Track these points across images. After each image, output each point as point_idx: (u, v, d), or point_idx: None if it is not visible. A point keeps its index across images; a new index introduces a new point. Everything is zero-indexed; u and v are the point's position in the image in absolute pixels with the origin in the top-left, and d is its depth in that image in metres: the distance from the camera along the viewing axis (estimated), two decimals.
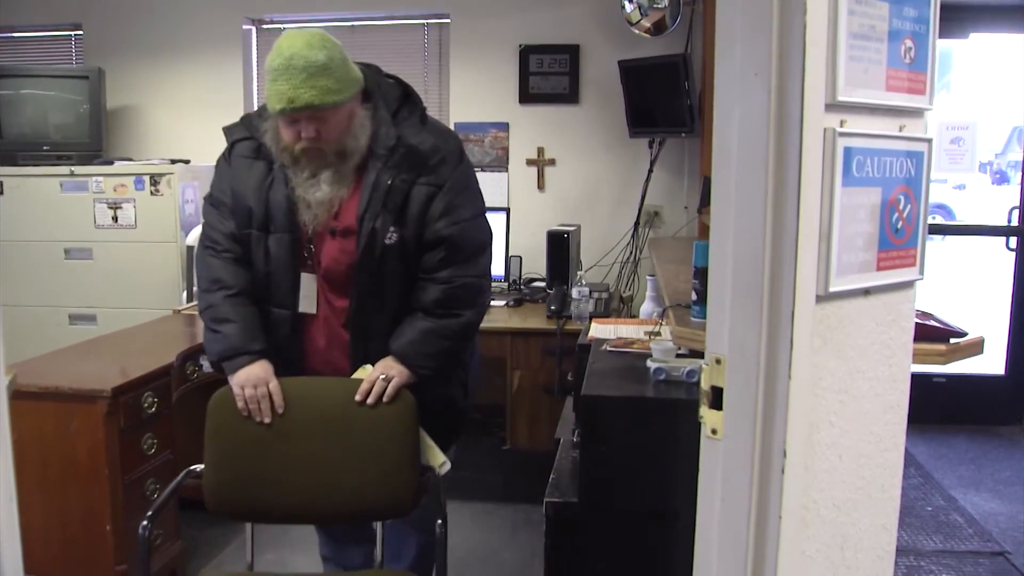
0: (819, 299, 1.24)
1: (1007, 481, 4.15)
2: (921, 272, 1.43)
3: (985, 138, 11.01)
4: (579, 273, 3.99)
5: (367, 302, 2.27)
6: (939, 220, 11.11)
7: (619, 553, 1.93)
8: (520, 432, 3.92)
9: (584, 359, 2.27)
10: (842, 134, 1.23)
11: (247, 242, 2.30)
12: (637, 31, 4.41)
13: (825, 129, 1.22)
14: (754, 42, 1.22)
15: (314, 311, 2.31)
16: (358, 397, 2.22)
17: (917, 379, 4.77)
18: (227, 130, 2.40)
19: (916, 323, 1.53)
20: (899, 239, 1.36)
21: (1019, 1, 4.68)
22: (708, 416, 1.32)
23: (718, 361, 1.29)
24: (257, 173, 2.28)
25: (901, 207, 1.36)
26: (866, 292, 1.33)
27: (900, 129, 1.37)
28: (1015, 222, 4.86)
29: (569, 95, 4.73)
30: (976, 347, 1.90)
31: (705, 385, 1.32)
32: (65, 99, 4.72)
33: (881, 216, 1.33)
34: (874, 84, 1.30)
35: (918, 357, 1.84)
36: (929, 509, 3.81)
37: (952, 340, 1.82)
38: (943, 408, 4.92)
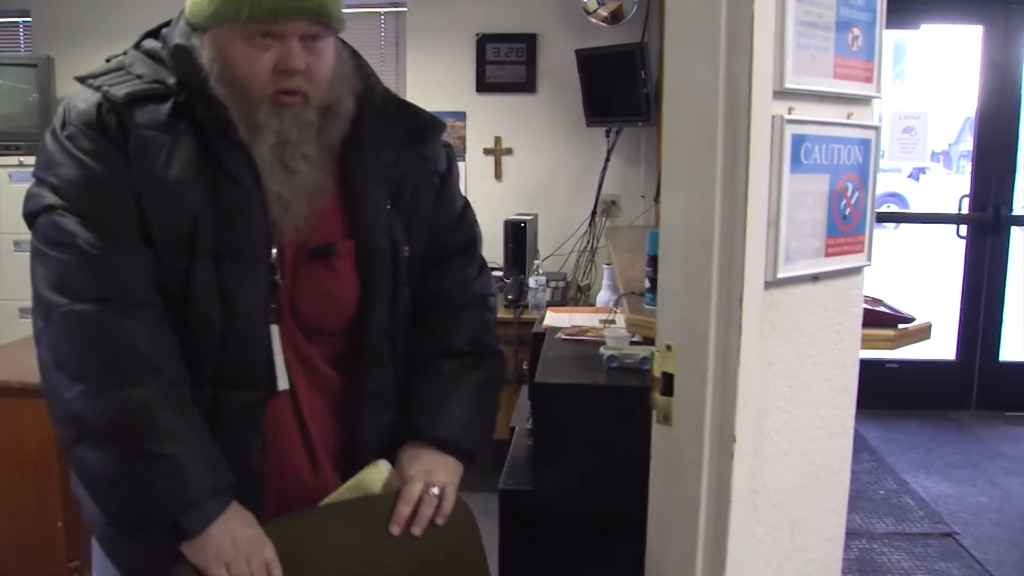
0: (768, 285, 1.25)
1: (956, 464, 4.24)
2: (869, 258, 1.44)
3: (939, 128, 11.20)
4: (536, 262, 4.00)
5: (381, 359, 1.50)
6: (893, 208, 11.28)
7: (573, 540, 1.93)
8: None
9: (539, 348, 2.27)
10: (790, 121, 1.24)
11: (179, 281, 1.34)
12: (594, 20, 4.42)
13: (773, 116, 1.22)
14: (703, 30, 1.22)
15: (287, 386, 1.43)
16: (395, 528, 1.40)
17: (870, 365, 4.88)
18: (99, 81, 1.38)
19: (865, 309, 1.55)
20: (847, 226, 1.38)
21: None
22: (659, 402, 1.32)
23: (668, 348, 1.30)
24: (185, 157, 1.34)
25: (849, 194, 1.38)
26: (815, 278, 1.35)
27: (848, 117, 1.38)
28: (966, 210, 4.95)
29: (526, 84, 4.73)
30: (924, 332, 1.93)
31: (656, 372, 1.33)
32: (13, 88, 4.62)
33: (829, 203, 1.34)
34: (822, 72, 1.31)
35: (867, 342, 1.86)
36: (881, 492, 3.87)
37: (900, 326, 1.85)
38: (896, 393, 5.00)
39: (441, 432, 1.48)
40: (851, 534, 3.41)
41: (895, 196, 11.98)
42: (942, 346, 5.16)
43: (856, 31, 1.37)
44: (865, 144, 1.41)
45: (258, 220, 1.37)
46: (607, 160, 4.59)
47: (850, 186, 1.38)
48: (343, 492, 1.43)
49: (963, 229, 4.95)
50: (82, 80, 1.41)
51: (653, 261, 1.78)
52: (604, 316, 2.44)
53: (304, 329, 1.45)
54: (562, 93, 4.68)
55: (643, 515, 1.39)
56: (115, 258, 1.31)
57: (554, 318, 2.60)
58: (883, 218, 9.40)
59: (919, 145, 4.82)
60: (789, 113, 1.25)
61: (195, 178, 1.34)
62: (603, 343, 2.09)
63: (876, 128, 1.44)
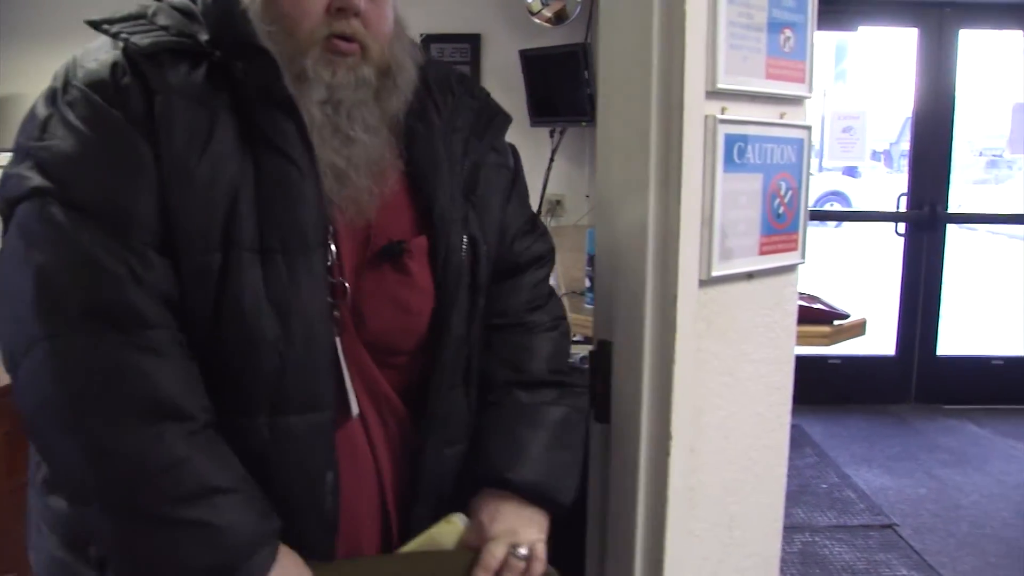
0: (702, 283, 1.26)
1: (896, 457, 4.32)
2: (803, 256, 1.46)
3: (880, 127, 11.42)
4: None
5: (455, 380, 1.24)
6: (836, 207, 11.47)
7: None
8: None
9: None
10: (723, 121, 1.25)
11: (210, 284, 1.05)
12: (538, 20, 4.42)
13: (706, 116, 1.24)
14: (636, 30, 1.23)
15: (357, 411, 1.17)
16: None
17: (813, 361, 4.95)
18: (116, 28, 1.09)
19: (802, 306, 1.57)
20: (781, 224, 1.40)
21: None
22: (596, 401, 1.33)
23: (604, 346, 1.31)
24: (225, 136, 1.06)
25: (782, 193, 1.39)
26: (749, 276, 1.36)
27: (781, 116, 1.40)
28: (904, 208, 5.05)
29: None
30: (858, 328, 1.97)
31: (592, 370, 1.33)
32: None
33: (763, 202, 1.36)
34: (754, 72, 1.33)
35: (804, 339, 1.90)
36: (824, 486, 3.93)
37: (836, 322, 1.89)
38: (838, 388, 5.09)
39: (527, 476, 1.21)
40: (794, 528, 3.47)
41: (837, 194, 12.18)
42: (882, 342, 5.27)
43: (788, 32, 1.39)
44: (798, 144, 1.43)
45: (311, 199, 1.08)
46: (551, 160, 4.60)
47: (783, 185, 1.40)
48: (412, 548, 1.21)
49: (901, 227, 5.04)
50: (96, 25, 1.10)
51: (592, 260, 1.79)
52: None
53: (370, 345, 1.18)
54: (506, 93, 4.66)
55: (583, 514, 1.39)
56: (123, 265, 1.00)
57: None
58: (825, 216, 9.60)
59: (858, 144, 4.90)
60: (722, 113, 1.26)
61: (235, 151, 1.06)
62: None
63: (808, 128, 1.46)
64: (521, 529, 1.19)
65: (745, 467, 1.46)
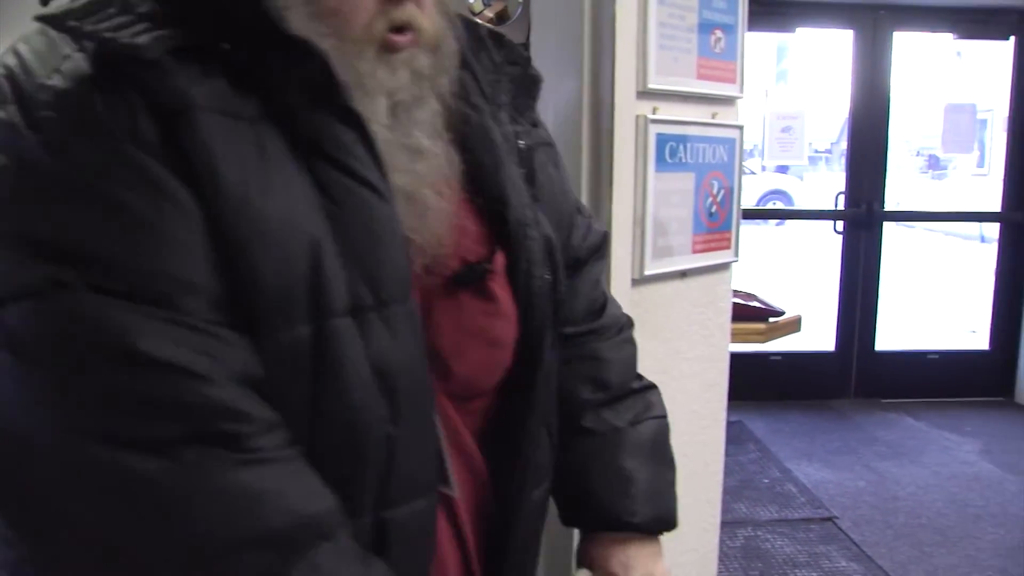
0: (635, 282, 1.27)
1: (836, 451, 4.39)
2: (736, 254, 1.48)
3: (821, 126, 11.61)
4: None
5: (547, 417, 1.02)
6: (779, 205, 11.66)
7: None
8: None
9: None
10: (654, 121, 1.27)
11: (302, 366, 0.75)
12: (480, 21, 4.43)
13: (637, 116, 1.25)
14: (567, 30, 1.24)
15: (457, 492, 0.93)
16: None
17: (755, 358, 4.99)
18: (93, 25, 0.71)
19: (738, 304, 1.60)
20: (713, 223, 1.41)
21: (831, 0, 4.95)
22: None
23: None
24: (278, 146, 0.76)
25: (715, 191, 1.41)
26: (683, 274, 1.38)
27: (713, 116, 1.42)
28: (842, 207, 5.13)
29: None
30: (793, 325, 2.00)
31: None
32: None
33: (695, 201, 1.37)
34: (685, 72, 1.35)
35: (740, 336, 1.92)
36: (766, 481, 3.98)
37: (771, 319, 1.92)
38: (780, 385, 5.16)
39: (647, 513, 1.06)
40: (736, 523, 3.51)
41: (780, 193, 12.37)
42: (823, 338, 5.36)
43: (719, 33, 1.41)
44: (730, 143, 1.45)
45: (397, 231, 0.81)
46: None
47: (716, 184, 1.41)
48: None
49: (840, 225, 5.13)
50: (57, 22, 0.73)
51: None
52: None
53: (452, 395, 0.92)
54: None
55: None
56: (203, 357, 0.70)
57: None
58: (767, 215, 9.77)
59: (797, 144, 4.98)
60: (654, 113, 1.27)
61: (294, 176, 0.76)
62: None
63: (740, 127, 1.48)
64: (655, 568, 1.06)
65: (681, 464, 1.46)
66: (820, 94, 11.11)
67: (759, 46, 9.54)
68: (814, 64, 11.71)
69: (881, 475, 4.02)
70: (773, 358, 5.16)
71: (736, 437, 4.53)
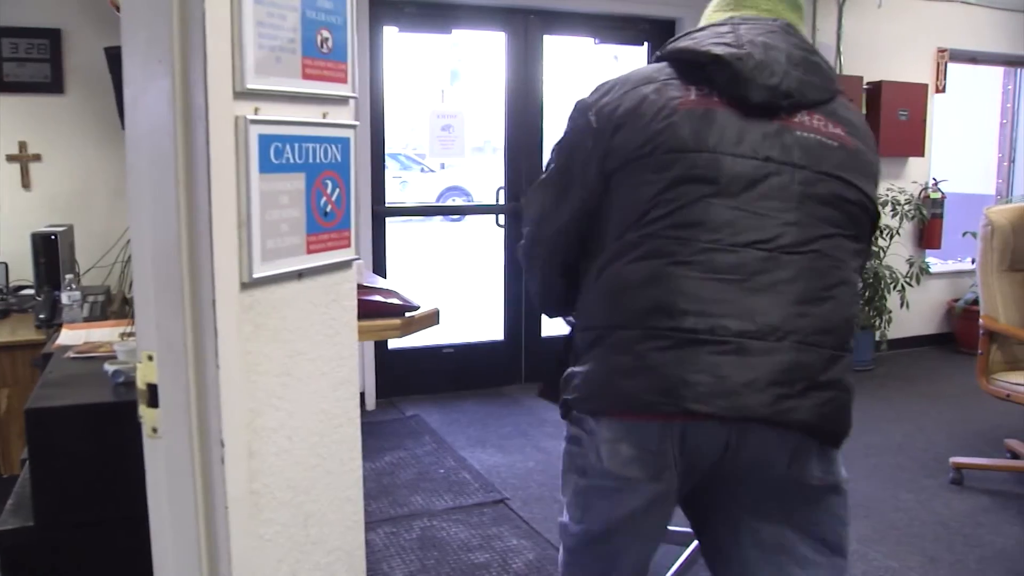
0: (244, 286, 1.25)
1: (508, 435, 4.60)
2: (357, 252, 1.50)
3: (483, 124, 12.08)
4: (67, 277, 3.69)
5: None
6: (460, 202, 12.03)
7: (87, 570, 1.80)
8: (14, 458, 3.54)
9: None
10: (255, 121, 1.24)
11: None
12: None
13: (236, 117, 1.22)
14: (156, 28, 1.19)
15: None
16: None
17: (427, 351, 5.14)
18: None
19: (372, 301, 1.61)
20: (329, 222, 1.42)
21: (484, 3, 5.15)
22: (147, 415, 1.28)
23: (150, 358, 1.25)
24: None
25: (329, 191, 1.42)
26: (299, 275, 1.37)
27: (324, 116, 1.42)
28: (503, 201, 5.37)
29: (52, 84, 4.35)
30: (431, 319, 2.06)
31: (141, 383, 1.27)
32: None
33: (307, 201, 1.37)
34: (289, 72, 1.33)
35: (376, 332, 1.95)
36: (441, 471, 4.09)
37: (408, 314, 1.96)
38: (454, 376, 5.32)
39: None
40: (412, 515, 3.58)
41: (458, 189, 12.76)
42: (493, 328, 5.59)
43: (325, 33, 1.41)
44: (343, 142, 1.46)
45: None
46: None
47: (330, 184, 1.42)
48: None
49: (502, 218, 5.37)
50: None
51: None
52: (124, 329, 2.30)
53: None
54: (94, 94, 4.37)
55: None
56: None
57: (69, 336, 2.40)
58: (444, 211, 10.05)
59: (457, 142, 5.15)
60: (255, 114, 1.25)
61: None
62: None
63: (354, 126, 1.49)
64: None
65: (315, 465, 1.47)
66: (483, 93, 11.58)
67: (430, 47, 9.78)
68: (480, 65, 12.16)
69: (548, 454, 4.26)
70: (446, 351, 5.32)
71: (412, 431, 4.62)
